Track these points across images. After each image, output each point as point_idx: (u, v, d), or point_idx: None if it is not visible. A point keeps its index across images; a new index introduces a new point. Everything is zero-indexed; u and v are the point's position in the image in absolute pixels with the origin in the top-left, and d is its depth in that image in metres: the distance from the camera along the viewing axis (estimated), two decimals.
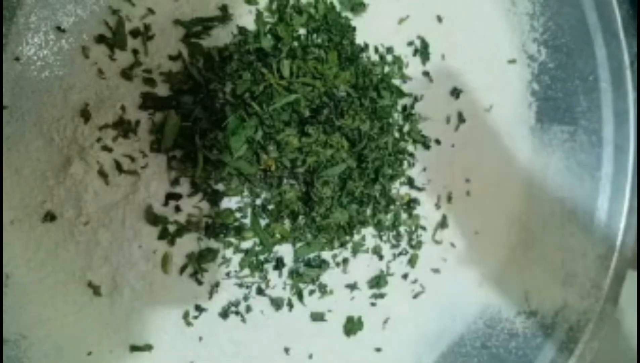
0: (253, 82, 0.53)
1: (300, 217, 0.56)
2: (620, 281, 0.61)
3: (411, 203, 0.61)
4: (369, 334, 0.61)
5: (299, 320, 0.58)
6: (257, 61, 0.53)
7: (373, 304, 0.61)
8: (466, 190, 0.64)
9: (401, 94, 0.60)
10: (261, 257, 0.56)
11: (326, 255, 0.58)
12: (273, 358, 0.58)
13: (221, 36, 0.55)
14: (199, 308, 0.55)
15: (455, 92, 0.64)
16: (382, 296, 0.61)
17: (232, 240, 0.55)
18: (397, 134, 0.60)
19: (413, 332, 0.63)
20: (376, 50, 0.60)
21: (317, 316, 0.59)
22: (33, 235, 0.50)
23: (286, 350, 0.58)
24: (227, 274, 0.56)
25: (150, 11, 0.53)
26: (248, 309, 0.57)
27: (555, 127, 0.66)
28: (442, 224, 0.63)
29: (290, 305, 0.57)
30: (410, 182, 0.61)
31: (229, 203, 0.54)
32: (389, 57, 0.60)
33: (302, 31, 0.56)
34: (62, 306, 0.51)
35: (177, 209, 0.53)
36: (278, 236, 0.56)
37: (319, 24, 0.56)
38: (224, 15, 0.55)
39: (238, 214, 0.55)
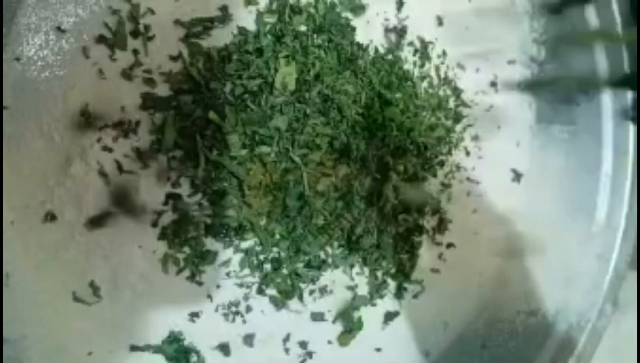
0: (253, 82, 0.53)
1: (298, 219, 0.56)
2: (620, 281, 0.61)
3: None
4: (369, 334, 0.61)
5: (299, 320, 0.58)
6: (257, 61, 0.53)
7: (373, 304, 0.61)
8: (466, 190, 0.64)
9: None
10: (261, 257, 0.56)
11: (326, 255, 0.59)
12: (273, 357, 0.58)
13: (221, 36, 0.55)
14: (199, 308, 0.55)
15: (455, 93, 0.64)
16: (382, 296, 0.61)
17: (232, 240, 0.55)
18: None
19: (413, 332, 0.63)
20: (376, 50, 0.60)
21: (317, 317, 0.59)
22: (33, 235, 0.50)
23: (286, 350, 0.58)
24: (227, 274, 0.56)
25: (151, 11, 0.53)
26: (248, 309, 0.57)
27: (555, 128, 0.66)
28: (442, 224, 0.63)
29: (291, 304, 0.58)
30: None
31: (229, 203, 0.54)
32: (389, 57, 0.60)
33: (302, 31, 0.56)
34: (62, 306, 0.51)
35: (177, 209, 0.53)
36: (278, 236, 0.56)
37: (319, 24, 0.57)
38: (224, 16, 0.55)
39: (238, 214, 0.55)
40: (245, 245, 0.56)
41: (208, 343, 0.56)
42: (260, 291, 0.57)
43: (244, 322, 0.57)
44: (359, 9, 0.59)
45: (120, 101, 0.52)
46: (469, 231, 0.65)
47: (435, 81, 0.63)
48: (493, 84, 0.65)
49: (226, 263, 0.55)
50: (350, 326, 0.60)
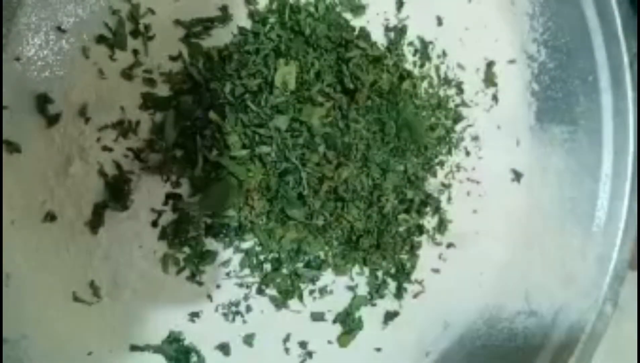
0: (253, 81, 0.53)
1: (299, 220, 0.56)
2: (620, 281, 0.61)
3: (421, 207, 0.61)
4: (369, 334, 0.61)
5: (299, 320, 0.58)
6: (257, 60, 0.53)
7: (373, 304, 0.61)
8: (466, 190, 0.64)
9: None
10: (261, 257, 0.56)
11: (326, 255, 0.59)
12: (273, 357, 0.58)
13: (221, 36, 0.55)
14: (199, 308, 0.55)
15: (455, 93, 0.64)
16: (382, 296, 0.61)
17: (232, 240, 0.55)
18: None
19: (413, 332, 0.63)
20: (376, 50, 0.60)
21: (317, 316, 0.59)
22: (33, 235, 0.50)
23: (286, 350, 0.58)
24: (227, 274, 0.56)
25: (151, 11, 0.53)
26: (248, 309, 0.57)
27: (555, 128, 0.66)
28: (442, 224, 0.63)
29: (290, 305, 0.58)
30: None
31: (229, 203, 0.54)
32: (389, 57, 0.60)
33: (301, 31, 0.56)
34: (62, 306, 0.51)
35: (177, 209, 0.53)
36: (278, 236, 0.56)
37: (318, 24, 0.56)
38: (224, 15, 0.55)
39: (238, 214, 0.55)
40: (245, 245, 0.56)
41: (208, 343, 0.56)
42: (260, 291, 0.57)
43: (244, 322, 0.57)
44: (359, 9, 0.59)
45: (120, 101, 0.52)
46: (469, 231, 0.65)
47: (435, 81, 0.63)
48: (493, 84, 0.65)
49: (226, 263, 0.55)
50: (350, 326, 0.60)
